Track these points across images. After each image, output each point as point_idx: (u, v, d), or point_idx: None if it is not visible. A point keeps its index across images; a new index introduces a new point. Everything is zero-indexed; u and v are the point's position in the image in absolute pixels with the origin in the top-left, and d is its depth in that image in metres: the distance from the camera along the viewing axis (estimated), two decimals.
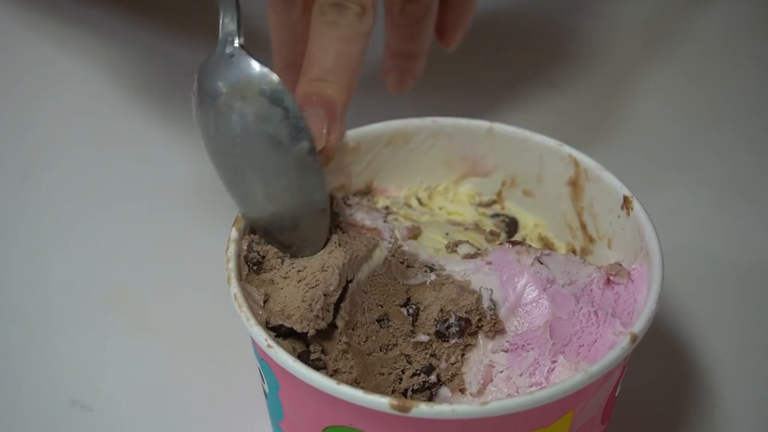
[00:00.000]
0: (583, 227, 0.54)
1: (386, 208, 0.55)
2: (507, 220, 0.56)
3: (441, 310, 0.46)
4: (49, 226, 0.67)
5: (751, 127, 0.76)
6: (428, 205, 0.57)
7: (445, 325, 0.46)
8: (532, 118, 0.73)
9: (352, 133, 0.55)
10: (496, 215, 0.57)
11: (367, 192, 0.57)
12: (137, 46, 0.81)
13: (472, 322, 0.46)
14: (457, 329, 0.46)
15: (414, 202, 0.57)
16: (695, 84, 0.80)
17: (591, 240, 0.54)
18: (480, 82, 0.79)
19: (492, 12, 0.84)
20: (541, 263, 0.48)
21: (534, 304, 0.47)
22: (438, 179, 0.58)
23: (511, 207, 0.57)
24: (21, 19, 0.84)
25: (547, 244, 0.55)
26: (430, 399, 0.46)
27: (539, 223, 0.57)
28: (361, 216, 0.53)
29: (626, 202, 0.50)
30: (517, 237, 0.56)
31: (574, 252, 0.55)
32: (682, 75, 0.81)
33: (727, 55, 0.83)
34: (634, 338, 0.43)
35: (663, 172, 0.71)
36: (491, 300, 0.47)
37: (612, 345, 0.45)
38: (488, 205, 0.57)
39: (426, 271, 0.48)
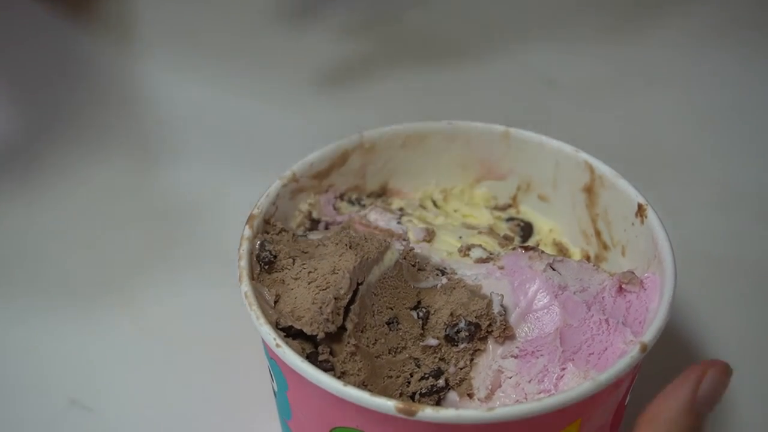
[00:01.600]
0: (598, 234, 0.54)
1: (400, 209, 0.55)
2: (522, 224, 0.56)
3: (451, 314, 0.46)
4: (49, 226, 0.67)
5: (751, 127, 0.76)
6: (443, 207, 0.57)
7: (455, 330, 0.46)
8: (534, 119, 0.73)
9: (368, 134, 0.55)
10: (511, 219, 0.57)
11: (382, 193, 0.57)
12: (138, 45, 0.81)
13: (482, 327, 0.46)
14: (467, 334, 0.46)
15: (429, 204, 0.57)
16: (695, 84, 0.79)
17: (605, 247, 0.54)
18: (492, 84, 0.79)
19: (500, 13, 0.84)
20: (554, 269, 0.48)
21: (545, 311, 0.47)
22: (453, 182, 0.58)
23: (527, 211, 0.57)
24: (21, 19, 0.85)
25: (562, 250, 0.55)
26: (438, 403, 0.45)
27: (554, 228, 0.56)
28: (374, 217, 0.53)
29: (640, 210, 0.50)
30: (531, 241, 0.56)
31: (588, 258, 0.55)
32: (682, 74, 0.80)
33: (729, 55, 0.82)
34: (644, 348, 0.43)
35: (663, 172, 0.71)
36: (502, 305, 0.46)
37: (622, 354, 0.45)
38: (503, 208, 0.57)
39: (437, 275, 0.48)
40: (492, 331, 0.46)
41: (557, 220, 0.56)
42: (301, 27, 0.81)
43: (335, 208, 0.55)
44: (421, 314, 0.46)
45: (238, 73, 0.80)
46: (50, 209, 0.68)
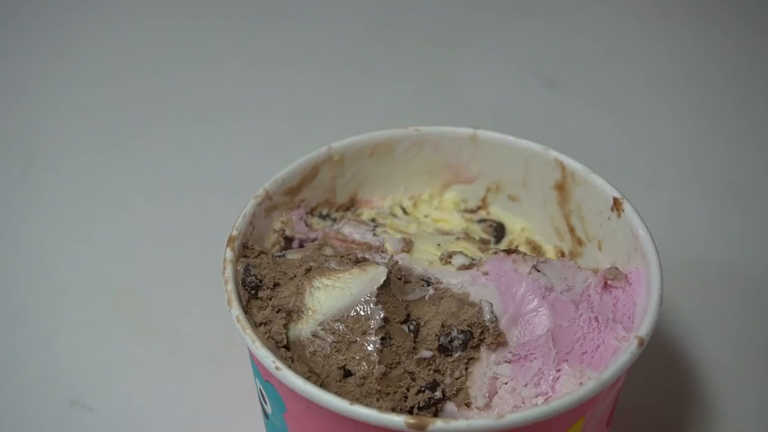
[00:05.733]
0: (571, 230, 0.54)
1: (373, 220, 0.54)
2: (494, 224, 0.56)
3: (442, 325, 0.45)
4: (49, 226, 0.67)
5: (751, 127, 0.77)
6: (413, 213, 0.56)
7: (448, 339, 0.45)
8: (530, 118, 0.73)
9: (336, 146, 0.54)
10: (482, 220, 0.56)
11: (351, 205, 0.56)
12: (137, 44, 0.81)
13: (475, 335, 0.45)
14: (461, 343, 0.45)
15: (398, 212, 0.56)
16: (695, 84, 0.80)
17: (580, 243, 0.54)
18: (484, 82, 0.78)
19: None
20: (538, 271, 0.48)
21: (534, 314, 0.47)
22: (422, 188, 0.57)
23: (497, 212, 0.57)
24: (21, 19, 0.85)
25: (535, 248, 0.55)
26: (436, 415, 0.45)
27: (526, 227, 0.56)
28: (349, 230, 0.52)
29: (616, 204, 0.50)
30: (505, 241, 0.55)
31: (562, 255, 0.55)
32: (681, 75, 0.81)
33: (728, 55, 0.83)
34: (641, 342, 0.43)
35: (663, 173, 0.71)
36: (492, 312, 0.46)
37: (615, 350, 0.45)
38: (473, 211, 0.57)
39: (423, 286, 0.47)
40: (484, 338, 0.45)
41: (528, 218, 0.56)
42: None
43: (307, 224, 0.54)
44: (411, 327, 0.46)
45: None
46: (50, 209, 0.68)
